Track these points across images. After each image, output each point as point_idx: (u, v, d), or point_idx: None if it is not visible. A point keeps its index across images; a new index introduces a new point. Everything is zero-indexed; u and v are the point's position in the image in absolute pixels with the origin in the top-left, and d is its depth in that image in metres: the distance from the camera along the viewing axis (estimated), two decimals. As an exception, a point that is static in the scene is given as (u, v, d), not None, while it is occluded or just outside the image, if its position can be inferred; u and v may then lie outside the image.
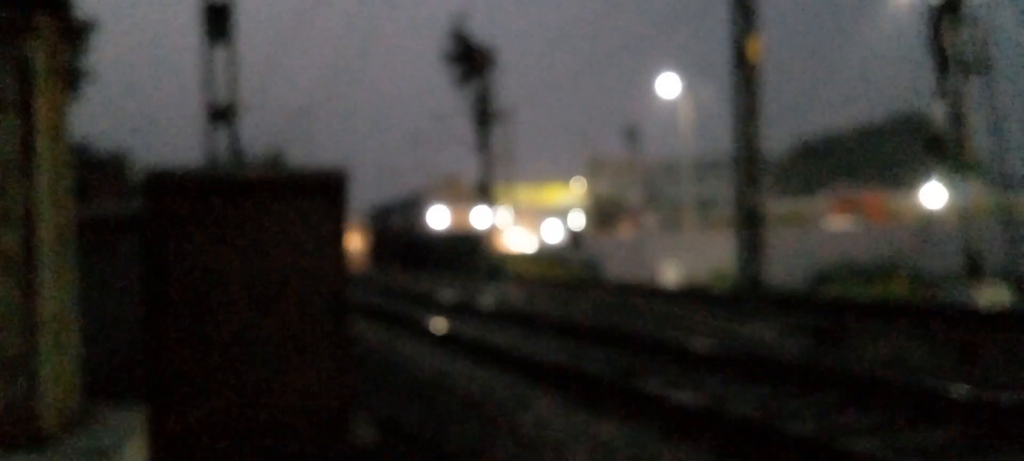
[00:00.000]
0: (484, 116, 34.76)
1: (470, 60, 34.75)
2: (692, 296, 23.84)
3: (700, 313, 18.58)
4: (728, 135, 19.91)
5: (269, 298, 6.21)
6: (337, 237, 6.34)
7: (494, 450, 7.68)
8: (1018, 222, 18.86)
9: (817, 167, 62.14)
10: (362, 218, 79.65)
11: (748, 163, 19.18)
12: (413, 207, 69.19)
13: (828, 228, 35.54)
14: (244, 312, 6.18)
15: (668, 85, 47.86)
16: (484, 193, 35.29)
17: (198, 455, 6.08)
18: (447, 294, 28.52)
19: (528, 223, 65.10)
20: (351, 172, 6.43)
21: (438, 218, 66.58)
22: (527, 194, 63.35)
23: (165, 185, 6.17)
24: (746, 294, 18.65)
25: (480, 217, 38.26)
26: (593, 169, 67.35)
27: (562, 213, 66.74)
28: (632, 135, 60.17)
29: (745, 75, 19.04)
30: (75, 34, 18.83)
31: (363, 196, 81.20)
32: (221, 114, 17.52)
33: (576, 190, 68.63)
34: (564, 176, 70.08)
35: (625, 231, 55.36)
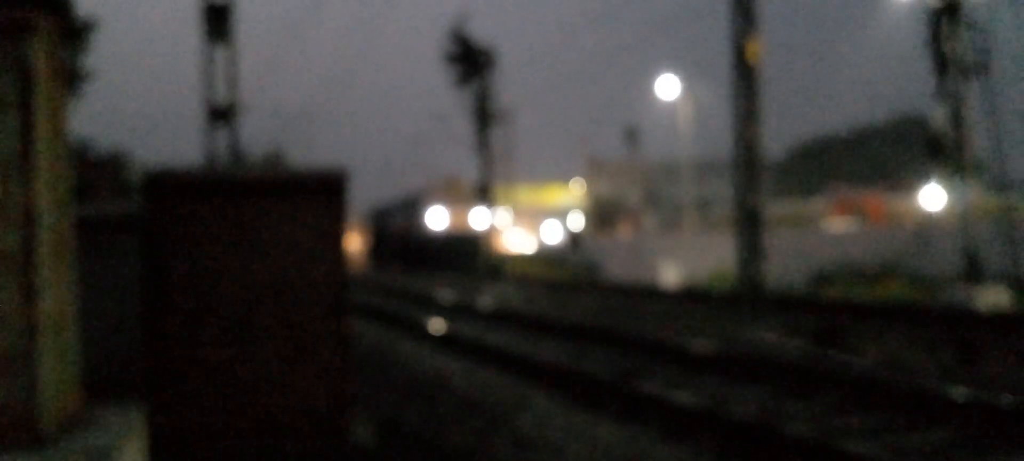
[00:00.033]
0: (484, 117, 34.70)
1: (470, 61, 34.69)
2: (691, 297, 23.84)
3: (699, 314, 18.58)
4: (728, 136, 19.90)
5: (268, 298, 6.21)
6: (337, 237, 6.34)
7: (493, 451, 7.67)
8: (1017, 224, 18.86)
9: (817, 168, 62.15)
10: (362, 218, 79.69)
11: (748, 164, 19.17)
12: (412, 208, 69.26)
13: (828, 230, 35.49)
14: (243, 312, 6.18)
15: (668, 86, 47.87)
16: (483, 194, 35.25)
17: (197, 454, 6.08)
18: (446, 294, 28.51)
19: (527, 224, 65.12)
20: (351, 172, 6.43)
21: (437, 219, 66.63)
22: (527, 195, 63.38)
23: (165, 185, 6.17)
24: (746, 295, 18.63)
25: (479, 218, 38.24)
26: (593, 170, 67.39)
27: (561, 214, 66.76)
28: (632, 136, 60.13)
29: (745, 76, 19.02)
30: (75, 34, 18.81)
31: (363, 196, 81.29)
32: (221, 114, 17.47)
33: (575, 191, 68.65)
34: (564, 177, 70.18)
35: (624, 232, 55.30)
